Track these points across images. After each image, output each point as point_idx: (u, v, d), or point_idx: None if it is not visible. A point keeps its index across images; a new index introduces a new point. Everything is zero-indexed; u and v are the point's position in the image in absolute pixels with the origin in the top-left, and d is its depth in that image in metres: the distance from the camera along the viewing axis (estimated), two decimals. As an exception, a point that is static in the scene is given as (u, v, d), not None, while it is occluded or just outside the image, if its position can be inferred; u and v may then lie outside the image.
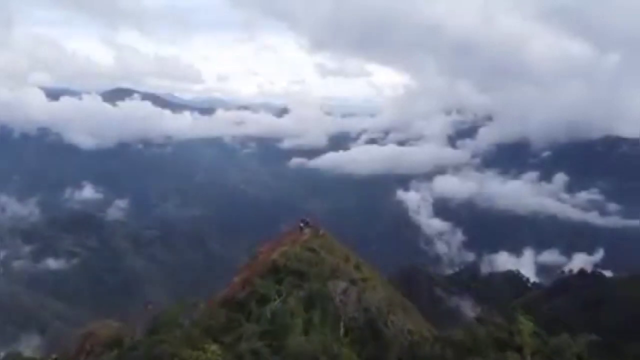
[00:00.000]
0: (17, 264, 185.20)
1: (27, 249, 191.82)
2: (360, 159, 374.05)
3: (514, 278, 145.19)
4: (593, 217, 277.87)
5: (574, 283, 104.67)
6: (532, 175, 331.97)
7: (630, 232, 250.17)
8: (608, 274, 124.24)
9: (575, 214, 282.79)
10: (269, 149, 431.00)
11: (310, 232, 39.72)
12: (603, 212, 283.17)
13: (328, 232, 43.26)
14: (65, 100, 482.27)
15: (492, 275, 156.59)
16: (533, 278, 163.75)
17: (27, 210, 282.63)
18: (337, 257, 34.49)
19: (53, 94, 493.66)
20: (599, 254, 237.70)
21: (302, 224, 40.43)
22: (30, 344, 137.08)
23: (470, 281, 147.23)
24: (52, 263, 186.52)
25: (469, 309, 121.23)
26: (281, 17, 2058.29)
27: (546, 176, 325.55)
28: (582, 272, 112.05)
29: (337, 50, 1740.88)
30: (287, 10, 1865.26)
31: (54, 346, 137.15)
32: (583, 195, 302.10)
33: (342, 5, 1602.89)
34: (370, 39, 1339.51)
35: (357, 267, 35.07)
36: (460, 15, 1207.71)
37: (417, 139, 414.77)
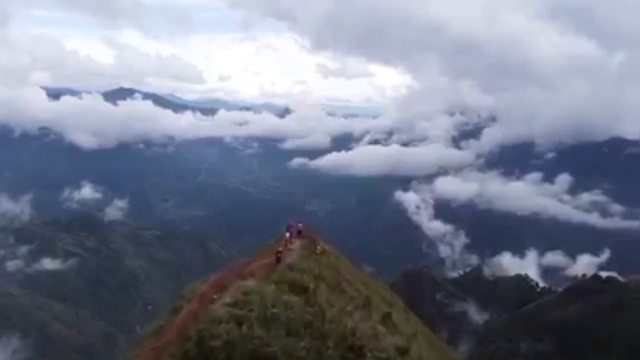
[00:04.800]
0: (13, 264, 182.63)
1: (24, 248, 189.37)
2: (363, 159, 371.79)
3: (521, 282, 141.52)
4: (595, 219, 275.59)
5: (587, 288, 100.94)
6: (536, 176, 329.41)
7: (633, 234, 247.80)
8: (610, 274, 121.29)
9: (578, 216, 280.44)
10: (270, 150, 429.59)
11: (302, 247, 25.04)
12: (605, 214, 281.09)
13: (331, 244, 28.52)
14: (66, 99, 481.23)
15: (499, 279, 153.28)
16: (536, 279, 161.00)
17: (24, 210, 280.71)
18: (349, 301, 18.40)
19: (54, 94, 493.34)
20: (604, 256, 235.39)
21: (288, 234, 25.87)
22: (9, 346, 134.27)
23: (475, 285, 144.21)
24: (49, 263, 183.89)
25: (475, 313, 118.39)
26: (282, 17, 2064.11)
27: (549, 177, 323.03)
28: (595, 276, 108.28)
29: (338, 50, 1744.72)
30: (288, 10, 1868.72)
31: (41, 348, 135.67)
32: (586, 197, 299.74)
33: (342, 5, 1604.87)
34: (371, 39, 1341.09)
35: (388, 321, 18.82)
36: (463, 14, 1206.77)
37: (421, 140, 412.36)
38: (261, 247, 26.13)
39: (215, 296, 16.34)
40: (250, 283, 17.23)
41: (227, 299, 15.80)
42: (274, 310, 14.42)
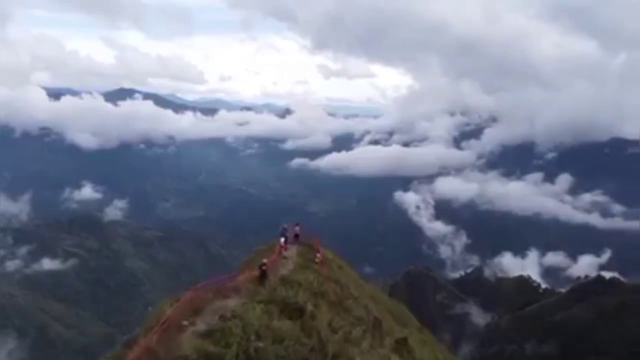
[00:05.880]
0: (13, 264, 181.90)
1: (24, 249, 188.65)
2: (363, 160, 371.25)
3: (523, 283, 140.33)
4: (596, 219, 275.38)
5: (590, 289, 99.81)
6: (537, 176, 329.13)
7: (634, 234, 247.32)
8: (611, 275, 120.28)
9: (579, 216, 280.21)
10: (271, 150, 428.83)
11: (300, 254, 21.70)
12: (606, 214, 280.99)
13: (331, 249, 24.89)
14: (66, 99, 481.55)
15: (500, 280, 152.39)
16: (538, 280, 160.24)
17: (25, 210, 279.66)
18: (356, 322, 15.29)
19: (54, 94, 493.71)
20: (605, 256, 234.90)
21: (283, 238, 22.87)
22: (9, 347, 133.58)
23: (476, 286, 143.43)
24: (49, 263, 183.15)
25: (477, 315, 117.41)
26: (282, 17, 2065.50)
27: (550, 178, 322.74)
28: (598, 277, 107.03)
29: (339, 50, 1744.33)
30: (289, 10, 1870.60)
31: (41, 349, 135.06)
32: (587, 197, 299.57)
33: (343, 5, 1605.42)
34: (372, 39, 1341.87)
35: (403, 348, 15.89)
36: (464, 14, 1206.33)
37: (422, 140, 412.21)
38: (256, 252, 22.60)
39: (185, 322, 12.65)
40: (232, 303, 13.64)
41: (200, 325, 12.31)
42: (260, 345, 11.10)
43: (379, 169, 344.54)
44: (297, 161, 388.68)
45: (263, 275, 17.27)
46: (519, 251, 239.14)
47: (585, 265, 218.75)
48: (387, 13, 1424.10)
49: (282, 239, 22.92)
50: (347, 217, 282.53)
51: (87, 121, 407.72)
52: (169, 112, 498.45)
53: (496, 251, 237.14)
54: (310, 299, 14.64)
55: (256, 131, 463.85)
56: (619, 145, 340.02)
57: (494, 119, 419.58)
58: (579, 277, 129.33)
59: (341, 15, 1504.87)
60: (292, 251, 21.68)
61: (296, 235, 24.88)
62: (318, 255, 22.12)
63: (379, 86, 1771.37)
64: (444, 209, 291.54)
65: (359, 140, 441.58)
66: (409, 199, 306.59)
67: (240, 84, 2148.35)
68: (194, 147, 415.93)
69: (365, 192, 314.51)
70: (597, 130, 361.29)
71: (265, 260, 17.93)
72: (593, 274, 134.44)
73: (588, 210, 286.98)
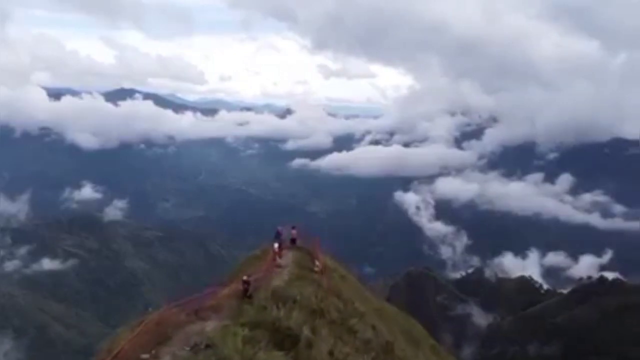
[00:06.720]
0: (12, 264, 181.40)
1: (24, 249, 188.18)
2: (364, 160, 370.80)
3: (525, 284, 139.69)
4: (596, 219, 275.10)
5: (592, 290, 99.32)
6: (537, 176, 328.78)
7: (635, 234, 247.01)
8: (612, 275, 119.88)
9: (579, 216, 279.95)
10: (271, 150, 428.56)
11: (296, 262, 19.16)
12: (607, 214, 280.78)
13: (332, 258, 22.35)
14: (66, 99, 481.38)
15: (501, 281, 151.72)
16: (538, 280, 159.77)
17: (23, 210, 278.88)
18: (362, 347, 13.08)
19: (54, 94, 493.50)
20: (605, 257, 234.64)
21: (277, 244, 20.15)
22: (9, 347, 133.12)
23: (477, 286, 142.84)
24: (49, 264, 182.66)
25: (478, 316, 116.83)
26: (282, 17, 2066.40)
27: (551, 178, 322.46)
28: (601, 278, 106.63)
29: (339, 50, 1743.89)
30: (289, 10, 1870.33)
31: (41, 349, 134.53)
32: (587, 197, 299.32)
33: (343, 5, 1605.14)
34: (372, 39, 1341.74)
35: None
36: (464, 14, 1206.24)
37: (422, 140, 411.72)
38: (249, 258, 19.52)
39: (144, 355, 9.82)
40: (209, 327, 10.83)
41: (165, 359, 9.45)
42: None
43: (379, 169, 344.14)
44: (298, 161, 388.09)
45: (246, 293, 14.58)
46: (520, 251, 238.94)
47: (586, 266, 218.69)
48: (387, 13, 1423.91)
49: (276, 244, 20.11)
50: (347, 217, 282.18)
51: (87, 121, 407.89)
52: (169, 112, 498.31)
53: (497, 251, 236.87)
54: (307, 319, 11.74)
55: (256, 131, 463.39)
56: (619, 145, 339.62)
57: (494, 119, 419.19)
58: (580, 278, 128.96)
59: (341, 15, 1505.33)
60: (288, 258, 19.03)
61: (293, 240, 22.39)
62: (317, 262, 19.47)
63: (379, 86, 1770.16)
64: (444, 209, 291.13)
65: (359, 141, 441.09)
66: (409, 199, 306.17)
67: (240, 84, 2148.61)
68: (194, 147, 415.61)
69: (365, 192, 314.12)
70: (597, 131, 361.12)
71: (245, 277, 14.97)
72: (594, 274, 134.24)
73: (588, 211, 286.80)
